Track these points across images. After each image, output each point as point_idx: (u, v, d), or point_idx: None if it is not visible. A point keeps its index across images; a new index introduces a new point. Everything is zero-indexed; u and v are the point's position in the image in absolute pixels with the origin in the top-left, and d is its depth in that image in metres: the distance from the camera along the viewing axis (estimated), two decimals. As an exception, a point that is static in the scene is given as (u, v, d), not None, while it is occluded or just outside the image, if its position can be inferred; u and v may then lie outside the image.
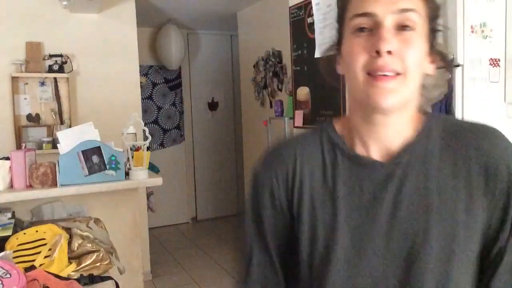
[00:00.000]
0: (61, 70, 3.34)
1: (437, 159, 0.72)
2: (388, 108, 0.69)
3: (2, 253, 1.31)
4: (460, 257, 0.68)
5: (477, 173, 0.70)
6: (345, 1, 0.73)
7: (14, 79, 3.24)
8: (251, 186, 0.81)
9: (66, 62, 3.37)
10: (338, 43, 0.77)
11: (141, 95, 4.05)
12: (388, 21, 0.68)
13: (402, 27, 0.68)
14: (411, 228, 0.70)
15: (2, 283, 1.05)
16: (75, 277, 1.43)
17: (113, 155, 2.05)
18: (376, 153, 0.74)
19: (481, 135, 0.72)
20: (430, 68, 0.77)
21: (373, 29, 0.68)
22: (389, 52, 0.67)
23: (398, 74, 0.68)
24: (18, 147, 3.16)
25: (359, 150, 0.75)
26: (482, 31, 1.68)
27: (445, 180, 0.70)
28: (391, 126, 0.73)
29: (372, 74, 0.68)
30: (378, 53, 0.67)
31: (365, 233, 0.71)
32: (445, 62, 0.85)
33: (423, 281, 0.68)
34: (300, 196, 0.75)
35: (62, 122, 3.36)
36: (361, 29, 0.69)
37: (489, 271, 0.71)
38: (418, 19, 0.69)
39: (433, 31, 0.73)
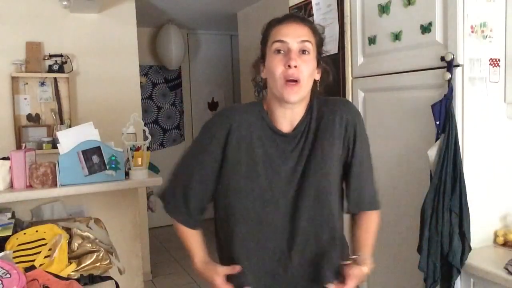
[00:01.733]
0: (61, 70, 3.34)
1: (315, 124, 1.19)
2: (293, 102, 1.14)
3: (2, 253, 1.31)
4: (332, 178, 1.17)
5: (338, 129, 1.18)
6: (268, 31, 1.21)
7: (14, 79, 3.24)
8: (200, 131, 1.22)
9: (66, 62, 3.37)
10: (262, 58, 1.23)
11: (141, 95, 4.05)
12: (295, 47, 1.13)
13: (302, 51, 1.14)
14: (304, 166, 1.16)
15: (2, 283, 1.05)
16: (75, 277, 1.43)
17: (113, 155, 2.04)
18: (285, 127, 1.19)
19: (339, 105, 1.22)
20: (317, 76, 1.22)
21: (286, 52, 1.13)
22: (295, 66, 1.11)
23: (298, 81, 1.12)
24: (18, 147, 3.16)
25: (274, 124, 1.19)
26: (482, 31, 1.68)
27: (322, 135, 1.17)
28: (294, 110, 1.19)
29: (286, 79, 1.12)
30: (289, 66, 1.11)
31: (275, 173, 1.15)
32: (326, 71, 1.26)
33: (307, 195, 1.15)
34: (231, 142, 1.16)
35: (62, 122, 3.36)
36: (278, 51, 1.14)
37: (346, 185, 1.22)
38: (311, 47, 1.15)
39: (319, 53, 1.20)
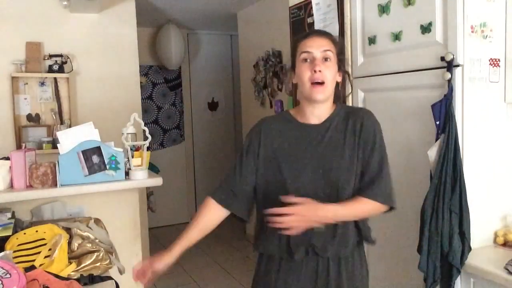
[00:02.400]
0: (61, 70, 3.34)
1: (340, 125, 1.44)
2: (320, 100, 1.41)
3: (2, 253, 1.31)
4: (349, 171, 1.39)
5: (358, 132, 1.41)
6: (296, 44, 1.47)
7: (14, 79, 3.24)
8: (247, 136, 1.55)
9: (66, 62, 3.37)
10: (292, 66, 1.49)
11: (141, 95, 4.05)
12: (318, 55, 1.40)
13: (325, 59, 1.41)
14: (327, 155, 1.40)
15: (2, 283, 1.05)
16: (75, 277, 1.44)
17: (113, 155, 2.04)
18: (313, 121, 1.46)
19: (362, 114, 1.45)
20: (339, 78, 1.48)
21: (311, 60, 1.41)
22: (319, 71, 1.38)
23: (323, 83, 1.39)
24: (18, 147, 3.16)
25: (304, 120, 1.47)
26: (482, 31, 1.68)
27: (344, 133, 1.42)
28: (320, 108, 1.45)
29: (312, 82, 1.39)
30: (315, 71, 1.38)
31: (302, 158, 1.41)
32: (347, 75, 1.55)
33: (336, 181, 1.38)
34: (263, 144, 1.47)
35: (62, 122, 3.36)
36: (305, 60, 1.42)
37: (362, 178, 1.41)
38: (332, 55, 1.42)
39: (340, 60, 1.46)
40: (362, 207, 1.38)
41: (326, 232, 1.37)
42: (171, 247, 1.53)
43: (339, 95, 1.52)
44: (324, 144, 1.41)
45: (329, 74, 1.40)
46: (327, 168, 1.38)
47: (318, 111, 1.45)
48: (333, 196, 1.37)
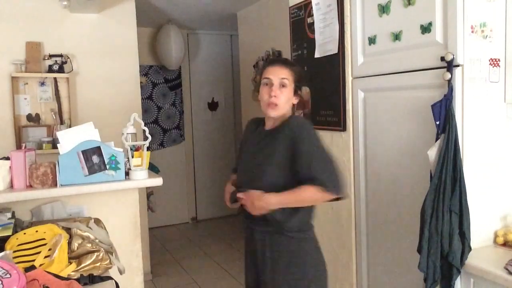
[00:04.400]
0: (61, 70, 3.34)
1: (272, 133, 1.75)
2: (273, 117, 1.75)
3: (2, 253, 1.31)
4: (272, 161, 1.69)
5: (283, 134, 1.69)
6: (263, 69, 1.79)
7: (14, 79, 3.24)
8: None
9: (66, 62, 3.37)
10: (257, 87, 1.82)
11: (141, 95, 4.05)
12: (276, 82, 1.72)
13: (282, 85, 1.73)
14: (257, 151, 1.78)
15: (2, 283, 1.05)
16: (75, 277, 1.43)
17: (113, 155, 2.04)
18: (268, 128, 1.80)
19: (292, 122, 1.71)
20: (295, 101, 1.79)
21: (270, 85, 1.73)
22: (274, 96, 1.71)
23: (276, 105, 1.72)
24: (18, 147, 3.16)
25: (266, 127, 1.82)
26: (482, 31, 1.68)
27: (272, 140, 1.72)
28: (275, 121, 1.77)
29: (268, 103, 1.72)
30: (271, 96, 1.72)
31: (245, 153, 1.88)
32: (300, 97, 1.83)
33: (257, 169, 1.73)
34: (244, 139, 1.93)
35: (62, 122, 3.36)
36: (266, 84, 1.75)
37: (297, 174, 1.63)
38: (288, 82, 1.73)
39: (296, 86, 1.77)
40: (303, 194, 1.59)
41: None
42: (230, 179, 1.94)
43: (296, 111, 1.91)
44: (261, 143, 1.77)
45: (283, 97, 1.71)
46: (253, 160, 1.77)
47: (273, 122, 1.78)
48: (248, 181, 1.73)
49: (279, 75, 1.71)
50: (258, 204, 1.64)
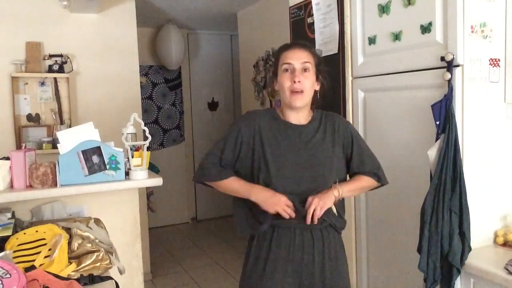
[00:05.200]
0: (61, 70, 3.34)
1: (317, 127, 1.65)
2: (299, 107, 1.61)
3: (2, 253, 1.31)
4: (332, 163, 1.62)
5: (337, 134, 1.65)
6: (279, 54, 1.64)
7: (14, 79, 3.24)
8: (231, 126, 1.69)
9: (66, 62, 3.37)
10: (275, 74, 1.67)
11: (141, 95, 4.05)
12: (298, 67, 1.58)
13: (304, 70, 1.59)
14: (310, 153, 1.60)
15: (2, 283, 1.05)
16: (75, 277, 1.43)
17: (113, 155, 2.04)
18: (294, 122, 1.64)
19: (335, 117, 1.70)
20: (317, 87, 1.66)
21: (291, 70, 1.59)
22: (298, 82, 1.57)
23: (302, 91, 1.58)
24: (18, 147, 3.16)
25: (287, 120, 1.65)
26: (482, 31, 1.68)
27: (323, 135, 1.64)
28: (299, 113, 1.65)
29: (292, 91, 1.58)
30: (294, 82, 1.57)
31: (286, 154, 1.59)
32: (323, 84, 1.68)
33: (318, 175, 1.59)
34: (259, 139, 1.62)
35: (62, 122, 3.36)
36: (286, 70, 1.60)
37: (350, 164, 1.68)
38: (311, 66, 1.61)
39: (318, 70, 1.64)
40: (364, 183, 1.67)
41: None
42: (254, 186, 1.59)
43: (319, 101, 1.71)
44: (311, 143, 1.61)
45: (307, 83, 1.58)
46: (310, 164, 1.58)
47: (298, 115, 1.64)
48: (312, 189, 1.56)
49: (301, 59, 1.58)
50: (326, 198, 1.52)
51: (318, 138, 1.63)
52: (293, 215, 1.52)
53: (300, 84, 1.56)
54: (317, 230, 1.58)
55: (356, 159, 1.66)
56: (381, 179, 1.70)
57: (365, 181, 1.67)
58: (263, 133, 1.62)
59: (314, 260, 1.58)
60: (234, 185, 1.61)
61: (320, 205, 1.51)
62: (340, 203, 1.66)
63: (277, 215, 1.53)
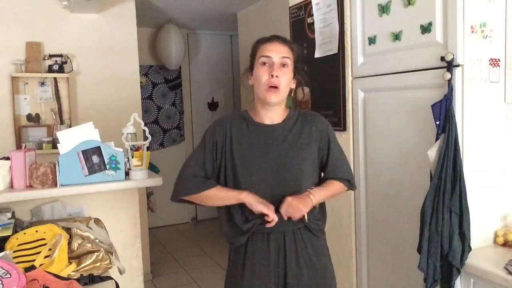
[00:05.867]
0: (61, 70, 3.34)
1: (291, 127, 1.57)
2: (274, 103, 1.53)
3: (2, 253, 1.31)
4: (305, 165, 1.55)
5: (314, 135, 1.58)
6: (257, 46, 1.58)
7: (14, 79, 3.24)
8: (206, 132, 1.62)
9: (66, 62, 3.37)
10: (251, 67, 1.59)
11: (141, 95, 4.05)
12: (277, 61, 1.51)
13: (282, 65, 1.52)
14: (282, 154, 1.53)
15: (2, 283, 1.05)
16: (75, 277, 1.43)
17: (113, 155, 2.04)
18: (267, 122, 1.58)
19: (314, 117, 1.62)
20: (293, 85, 1.60)
21: (270, 64, 1.52)
22: (276, 76, 1.50)
23: (278, 87, 1.51)
24: (18, 147, 3.16)
25: (259, 121, 1.59)
26: (482, 31, 1.68)
27: (297, 135, 1.56)
28: (273, 111, 1.58)
29: (269, 85, 1.50)
30: (272, 76, 1.50)
31: (256, 158, 1.53)
32: (300, 82, 1.62)
33: (291, 178, 1.53)
34: (229, 142, 1.56)
35: (62, 122, 3.36)
36: (264, 63, 1.52)
37: (326, 171, 1.62)
38: (290, 62, 1.54)
39: (296, 67, 1.58)
40: (335, 188, 1.62)
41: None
42: (242, 193, 1.52)
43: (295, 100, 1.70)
44: (284, 144, 1.54)
45: (284, 79, 1.51)
46: (282, 166, 1.52)
47: (271, 113, 1.57)
48: (285, 192, 1.51)
49: (280, 53, 1.51)
50: (303, 204, 1.48)
51: (291, 138, 1.55)
52: (276, 219, 1.47)
53: (277, 79, 1.49)
54: (289, 233, 1.54)
55: (331, 164, 1.60)
56: (352, 186, 1.66)
57: (338, 188, 1.63)
58: (233, 138, 1.56)
59: (288, 262, 1.53)
60: (221, 192, 1.55)
61: (296, 209, 1.47)
62: (322, 207, 1.64)
63: (261, 217, 1.50)
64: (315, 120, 1.60)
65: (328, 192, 1.59)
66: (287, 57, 1.53)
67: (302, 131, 1.57)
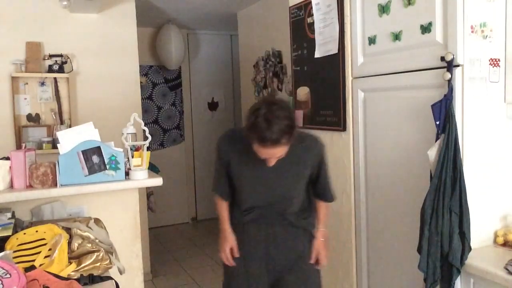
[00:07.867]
0: (61, 70, 3.34)
1: (293, 149, 1.66)
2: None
3: (2, 253, 1.31)
4: (299, 186, 1.80)
5: (309, 155, 1.76)
6: (253, 141, 1.59)
7: (14, 79, 3.24)
8: (216, 149, 1.84)
9: (66, 62, 3.37)
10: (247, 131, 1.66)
11: (141, 95, 4.05)
12: (273, 158, 1.65)
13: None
14: (279, 174, 1.74)
15: (2, 283, 1.05)
16: (75, 277, 1.43)
17: (113, 155, 2.04)
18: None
19: (310, 140, 1.79)
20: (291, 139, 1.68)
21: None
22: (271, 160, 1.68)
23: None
24: (18, 147, 3.15)
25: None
26: (482, 31, 1.68)
27: (293, 157, 1.71)
28: None
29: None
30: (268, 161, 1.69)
31: (259, 175, 1.76)
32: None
33: (282, 197, 1.79)
34: (233, 159, 1.79)
35: (62, 122, 3.36)
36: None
37: (314, 188, 1.87)
38: (285, 148, 1.60)
39: (292, 137, 1.59)
40: (326, 212, 1.94)
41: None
42: (225, 228, 1.94)
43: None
44: (280, 165, 1.69)
45: (280, 155, 1.63)
46: (278, 185, 1.76)
47: None
48: (285, 203, 1.80)
49: (275, 155, 1.61)
50: (326, 249, 1.92)
51: (287, 161, 1.70)
52: (231, 263, 1.87)
53: (275, 159, 1.65)
54: (278, 227, 1.84)
55: (321, 185, 1.85)
56: (331, 201, 1.92)
57: (327, 209, 1.93)
58: (238, 156, 1.77)
59: (278, 249, 1.84)
60: (220, 208, 1.94)
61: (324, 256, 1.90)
62: (308, 207, 1.90)
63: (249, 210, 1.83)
64: (310, 142, 1.79)
65: (326, 219, 1.94)
66: (281, 154, 1.62)
67: (301, 154, 1.75)
